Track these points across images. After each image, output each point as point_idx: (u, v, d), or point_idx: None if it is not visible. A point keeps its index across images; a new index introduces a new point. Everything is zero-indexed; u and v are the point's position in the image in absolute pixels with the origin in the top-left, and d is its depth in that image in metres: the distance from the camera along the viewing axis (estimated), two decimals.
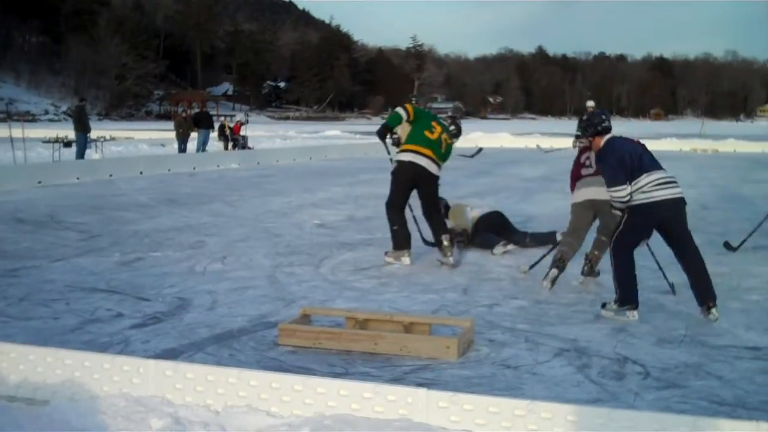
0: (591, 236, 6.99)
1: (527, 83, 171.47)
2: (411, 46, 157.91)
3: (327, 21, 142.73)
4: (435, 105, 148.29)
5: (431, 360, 4.78)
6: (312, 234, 9.51)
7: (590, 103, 19.22)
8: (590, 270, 6.97)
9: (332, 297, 6.49)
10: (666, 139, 36.42)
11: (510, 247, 8.41)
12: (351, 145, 30.41)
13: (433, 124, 7.81)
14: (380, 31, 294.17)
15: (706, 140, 36.12)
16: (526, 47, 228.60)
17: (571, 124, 34.61)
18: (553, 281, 6.66)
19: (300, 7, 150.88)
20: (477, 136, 37.78)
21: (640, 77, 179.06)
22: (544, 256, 7.26)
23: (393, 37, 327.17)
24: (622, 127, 78.96)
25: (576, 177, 6.98)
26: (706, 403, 4.10)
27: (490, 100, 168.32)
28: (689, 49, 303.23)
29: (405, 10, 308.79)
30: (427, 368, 4.66)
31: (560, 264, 6.72)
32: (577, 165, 7.01)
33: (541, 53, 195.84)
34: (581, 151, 7.11)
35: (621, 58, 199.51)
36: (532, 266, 7.26)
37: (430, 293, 6.58)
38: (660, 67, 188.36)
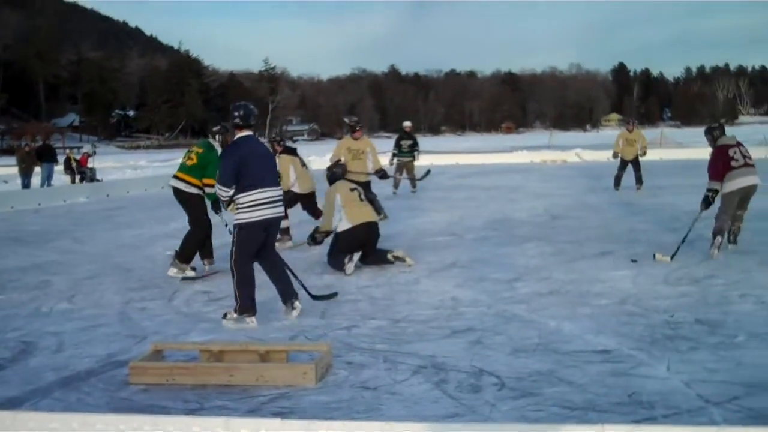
0: None
1: (381, 102, 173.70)
2: (263, 69, 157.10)
3: (176, 46, 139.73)
4: (290, 128, 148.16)
5: (289, 388, 4.70)
6: (165, 266, 9.21)
7: (407, 123, 20.68)
8: (734, 239, 9.13)
9: (186, 330, 6.30)
10: (517, 151, 37.55)
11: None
12: None
13: None
14: (231, 55, 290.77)
15: (555, 151, 37.48)
16: (379, 66, 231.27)
17: (425, 141, 35.06)
18: (719, 247, 8.58)
19: (147, 32, 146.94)
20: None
21: (490, 92, 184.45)
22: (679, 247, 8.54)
23: (245, 61, 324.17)
24: (475, 141, 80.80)
25: (726, 169, 8.76)
26: (558, 408, 4.19)
27: (346, 120, 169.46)
28: (536, 63, 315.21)
29: (256, 33, 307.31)
30: (285, 396, 4.58)
31: (720, 234, 8.69)
32: (725, 159, 8.82)
33: (393, 72, 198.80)
34: (726, 148, 8.96)
35: (471, 74, 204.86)
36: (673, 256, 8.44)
37: (287, 320, 6.49)
38: (509, 81, 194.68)
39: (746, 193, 8.89)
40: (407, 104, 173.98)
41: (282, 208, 6.65)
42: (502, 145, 55.58)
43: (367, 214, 8.83)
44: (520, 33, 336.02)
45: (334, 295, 7.19)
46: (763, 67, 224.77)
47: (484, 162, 35.87)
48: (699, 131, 28.52)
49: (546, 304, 6.71)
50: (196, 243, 8.92)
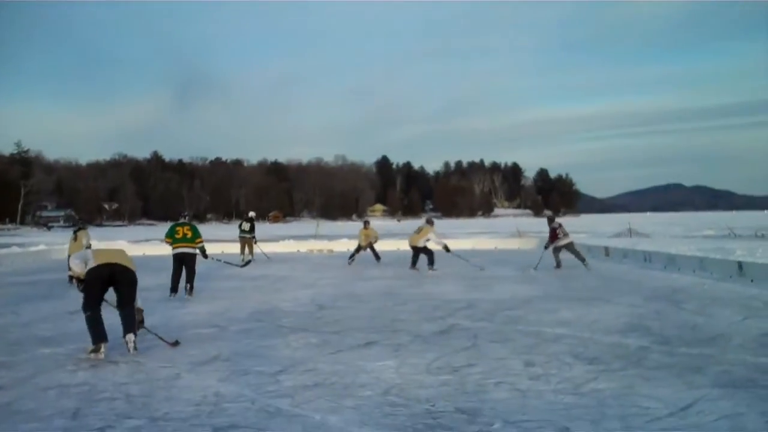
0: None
1: (144, 189, 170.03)
2: (15, 152, 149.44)
3: None
4: (45, 213, 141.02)
5: None
6: None
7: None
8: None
9: None
10: (284, 241, 37.64)
11: None
12: None
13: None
14: None
15: (322, 240, 37.98)
16: (142, 153, 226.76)
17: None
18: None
19: None
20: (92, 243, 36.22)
21: (257, 181, 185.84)
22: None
23: None
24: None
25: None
26: None
27: (106, 206, 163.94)
28: (302, 153, 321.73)
29: (8, 114, 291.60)
30: None
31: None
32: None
33: (157, 158, 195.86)
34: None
35: (237, 162, 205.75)
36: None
37: (34, 421, 5.95)
38: (276, 171, 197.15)
39: None
40: (172, 191, 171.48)
41: None
42: (269, 234, 55.66)
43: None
44: (286, 125, 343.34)
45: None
46: (515, 164, 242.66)
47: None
48: (459, 222, 30.01)
49: (311, 396, 6.62)
50: None
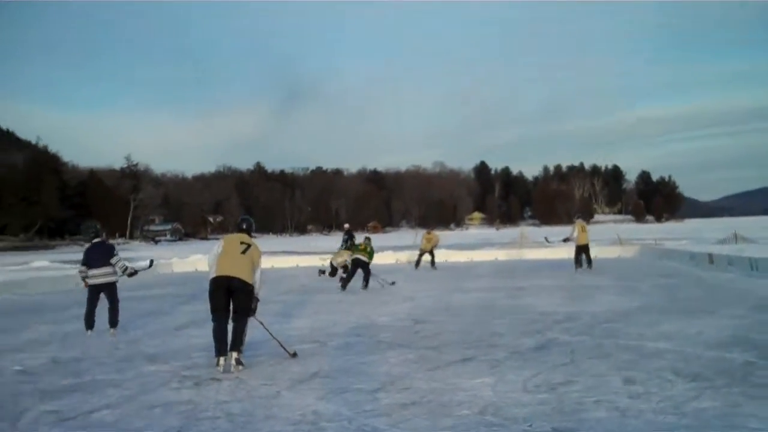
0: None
1: (247, 200, 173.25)
2: (125, 165, 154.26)
3: (33, 141, 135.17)
4: (153, 227, 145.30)
5: None
6: (11, 383, 8.73)
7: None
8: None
9: None
10: (384, 252, 37.86)
11: None
12: (59, 277, 28.57)
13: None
14: (92, 151, 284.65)
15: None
16: (245, 164, 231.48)
17: (292, 240, 34.90)
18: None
19: (3, 127, 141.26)
20: (195, 258, 37.27)
21: (356, 190, 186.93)
22: None
23: (106, 157, 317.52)
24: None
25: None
26: None
27: (210, 219, 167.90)
28: (400, 161, 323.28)
29: (117, 128, 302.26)
30: None
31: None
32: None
33: (259, 169, 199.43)
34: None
35: (337, 171, 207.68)
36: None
37: None
38: (374, 180, 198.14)
39: None
40: (274, 202, 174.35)
41: None
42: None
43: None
44: (384, 131, 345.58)
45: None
46: (615, 166, 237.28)
47: None
48: (557, 230, 29.71)
49: (408, 415, 6.69)
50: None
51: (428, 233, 30.10)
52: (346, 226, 30.25)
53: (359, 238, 25.67)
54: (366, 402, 7.23)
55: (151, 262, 15.51)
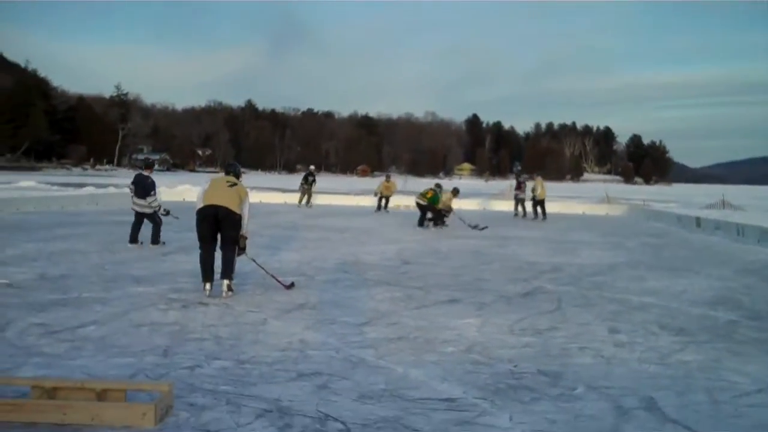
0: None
1: (237, 136, 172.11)
2: (115, 94, 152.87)
3: (22, 65, 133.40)
4: (141, 156, 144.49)
5: (126, 428, 4.47)
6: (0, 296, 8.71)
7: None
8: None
9: (18, 364, 5.90)
10: (370, 195, 37.80)
11: None
12: (47, 198, 28.42)
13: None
14: (82, 78, 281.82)
15: (410, 196, 38.00)
16: (236, 101, 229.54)
17: (281, 179, 35.03)
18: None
19: None
20: (183, 188, 37.14)
21: (347, 134, 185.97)
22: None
23: (96, 85, 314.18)
24: (330, 182, 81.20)
25: None
26: None
27: (199, 152, 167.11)
28: (392, 108, 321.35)
29: (109, 56, 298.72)
30: None
31: None
32: None
33: (250, 107, 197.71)
34: None
35: (329, 114, 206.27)
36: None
37: (127, 356, 6.19)
38: (366, 125, 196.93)
39: None
40: (264, 140, 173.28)
41: None
42: (358, 188, 56.00)
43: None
44: (378, 78, 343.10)
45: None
46: (607, 128, 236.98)
47: (338, 203, 36.22)
48: (547, 185, 29.66)
49: (394, 349, 6.71)
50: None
51: (387, 180, 32.18)
52: (312, 167, 34.60)
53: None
54: (353, 334, 7.25)
55: (167, 212, 15.88)
